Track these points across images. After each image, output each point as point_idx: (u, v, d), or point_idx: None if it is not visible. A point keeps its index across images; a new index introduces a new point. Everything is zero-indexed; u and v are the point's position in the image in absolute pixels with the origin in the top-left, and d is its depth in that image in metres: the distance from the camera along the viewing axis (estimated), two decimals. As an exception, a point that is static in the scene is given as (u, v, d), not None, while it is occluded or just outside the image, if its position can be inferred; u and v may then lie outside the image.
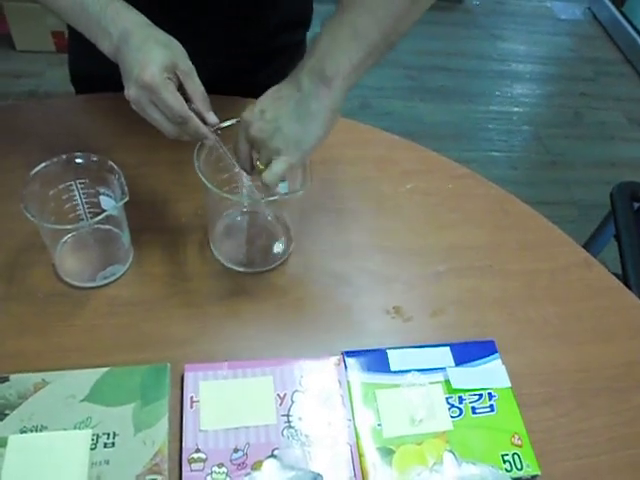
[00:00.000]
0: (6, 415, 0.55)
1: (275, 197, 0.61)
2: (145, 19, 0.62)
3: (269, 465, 0.54)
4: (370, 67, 0.59)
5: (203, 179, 0.60)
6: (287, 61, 0.96)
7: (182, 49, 0.62)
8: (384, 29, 0.58)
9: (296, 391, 0.59)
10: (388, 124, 0.87)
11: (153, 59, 0.58)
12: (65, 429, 0.54)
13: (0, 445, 0.53)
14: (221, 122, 0.63)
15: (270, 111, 0.58)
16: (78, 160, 0.62)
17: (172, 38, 0.62)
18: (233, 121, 0.63)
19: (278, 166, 0.58)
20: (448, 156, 0.86)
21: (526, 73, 2.58)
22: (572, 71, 2.64)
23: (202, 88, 0.62)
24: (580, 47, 2.79)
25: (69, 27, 0.94)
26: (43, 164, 0.60)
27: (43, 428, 0.54)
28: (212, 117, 0.62)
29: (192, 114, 0.60)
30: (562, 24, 2.93)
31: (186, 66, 0.61)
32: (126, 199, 0.59)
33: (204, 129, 0.61)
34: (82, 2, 0.61)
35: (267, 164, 0.58)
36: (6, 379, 0.57)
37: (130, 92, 0.59)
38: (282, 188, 0.64)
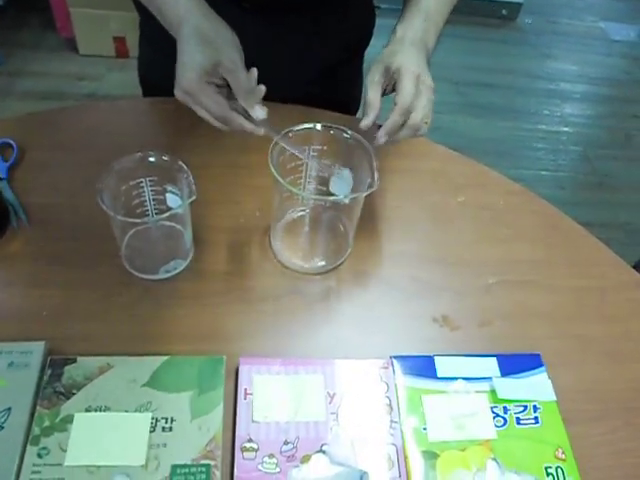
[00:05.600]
0: (73, 394, 0.58)
1: (341, 197, 0.64)
2: (199, 3, 0.65)
3: (317, 459, 0.56)
4: None
5: (275, 174, 0.62)
6: (345, 74, 0.98)
7: (229, 39, 0.64)
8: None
9: (345, 391, 0.61)
10: (435, 139, 0.88)
11: (191, 64, 0.62)
12: (127, 411, 0.57)
13: (67, 421, 0.56)
14: (292, 127, 0.66)
15: (423, 73, 0.67)
16: (151, 159, 0.65)
17: (221, 27, 0.65)
18: (310, 125, 0.67)
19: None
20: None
21: (576, 93, 2.56)
22: (625, 93, 2.61)
23: (246, 84, 0.64)
24: (634, 69, 2.75)
25: (141, 33, 0.98)
26: (120, 160, 0.64)
27: (107, 409, 0.57)
28: (257, 112, 0.64)
29: (234, 114, 0.63)
30: (616, 45, 2.90)
31: (229, 62, 0.63)
32: (194, 197, 0.62)
33: (249, 126, 0.64)
34: None
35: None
36: (74, 360, 0.60)
37: (177, 94, 0.65)
38: (344, 191, 0.66)
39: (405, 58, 0.67)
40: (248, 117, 0.65)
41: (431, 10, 0.73)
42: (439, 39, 0.75)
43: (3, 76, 2.20)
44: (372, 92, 0.67)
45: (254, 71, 0.65)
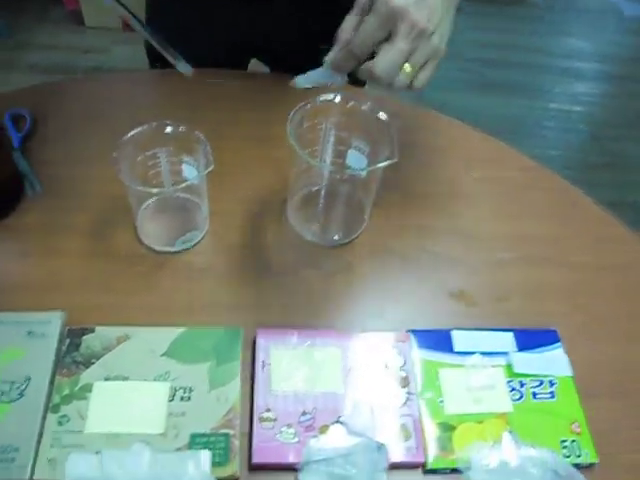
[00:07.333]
0: (92, 364, 0.58)
1: (359, 170, 0.64)
2: None
3: (335, 430, 0.56)
4: None
5: (294, 144, 0.61)
6: None
7: None
8: None
9: (362, 363, 0.61)
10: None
11: None
12: (145, 380, 0.58)
13: (86, 390, 0.56)
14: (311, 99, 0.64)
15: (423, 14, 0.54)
16: (167, 129, 0.65)
17: None
18: (329, 96, 0.65)
19: (433, 69, 0.57)
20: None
21: (589, 71, 2.52)
22: (636, 72, 2.57)
23: None
24: (646, 47, 2.72)
25: (147, 3, 0.96)
26: (136, 129, 0.63)
27: (125, 378, 0.58)
28: None
29: None
30: (629, 22, 2.85)
31: None
32: (211, 167, 0.61)
33: None
34: None
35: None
36: (92, 330, 0.60)
37: None
38: (361, 164, 0.65)
39: None
40: None
41: None
42: None
43: (9, 49, 2.18)
44: (345, 22, 0.58)
45: None
